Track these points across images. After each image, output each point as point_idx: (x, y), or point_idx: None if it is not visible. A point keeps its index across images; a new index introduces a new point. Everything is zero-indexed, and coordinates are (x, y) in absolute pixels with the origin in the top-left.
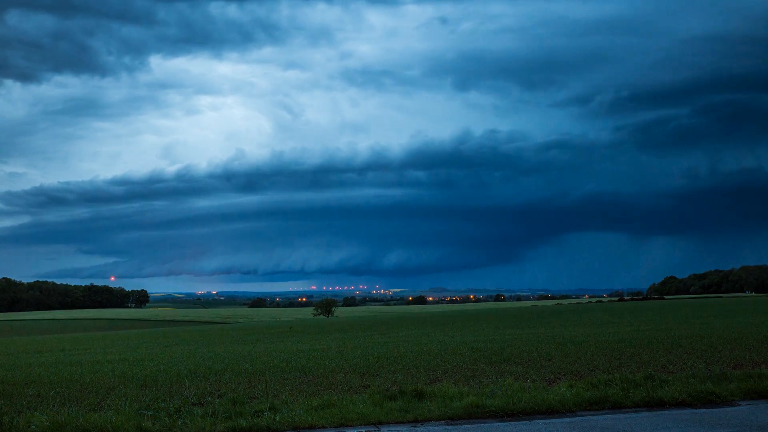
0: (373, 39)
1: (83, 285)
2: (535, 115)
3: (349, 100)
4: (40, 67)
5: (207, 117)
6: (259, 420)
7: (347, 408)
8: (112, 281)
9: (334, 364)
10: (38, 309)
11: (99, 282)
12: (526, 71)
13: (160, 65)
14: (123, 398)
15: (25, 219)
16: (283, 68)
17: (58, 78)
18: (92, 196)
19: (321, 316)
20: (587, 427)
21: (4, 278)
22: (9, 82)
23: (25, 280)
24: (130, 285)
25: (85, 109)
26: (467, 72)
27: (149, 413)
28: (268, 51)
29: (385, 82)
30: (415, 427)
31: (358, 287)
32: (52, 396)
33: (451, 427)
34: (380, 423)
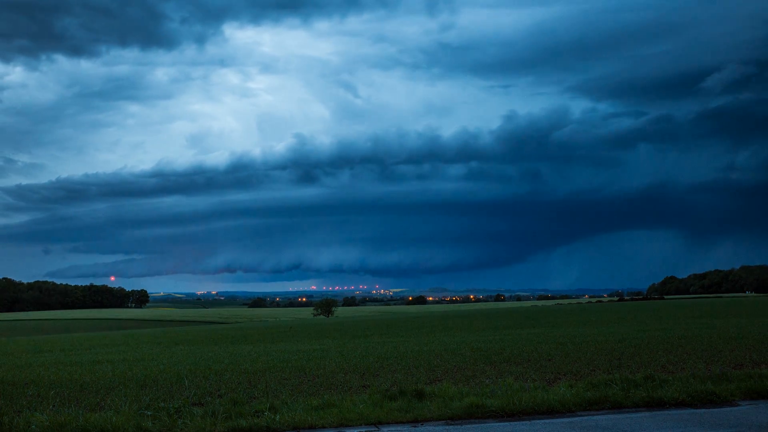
0: (492, 5)
1: (83, 285)
2: (636, 95)
3: (428, 80)
4: (97, 38)
5: (259, 100)
6: (259, 420)
7: (347, 408)
8: (112, 281)
9: (334, 364)
10: (38, 309)
11: (99, 282)
12: (641, 44)
13: (233, 36)
14: (123, 398)
15: (30, 216)
16: (371, 41)
17: (113, 51)
18: (114, 190)
19: (321, 316)
20: (587, 427)
21: (4, 278)
22: (58, 57)
23: (25, 280)
24: (129, 285)
25: (124, 90)
26: (574, 45)
27: (149, 413)
28: (365, 18)
29: (472, 58)
30: (415, 427)
31: (358, 287)
32: (52, 396)
33: (451, 427)
34: (380, 423)
